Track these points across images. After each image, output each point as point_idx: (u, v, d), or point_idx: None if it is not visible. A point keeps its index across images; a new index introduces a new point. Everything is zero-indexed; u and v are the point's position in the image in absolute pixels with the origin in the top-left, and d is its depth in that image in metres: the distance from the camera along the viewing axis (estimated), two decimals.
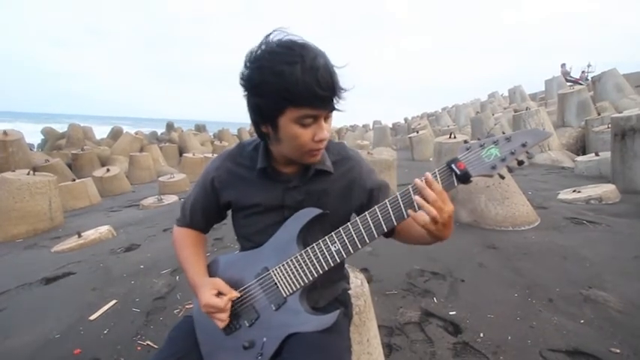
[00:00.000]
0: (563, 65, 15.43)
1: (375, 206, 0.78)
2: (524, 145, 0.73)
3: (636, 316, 1.70)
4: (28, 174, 5.14)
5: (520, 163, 0.74)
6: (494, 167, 0.74)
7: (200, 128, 19.49)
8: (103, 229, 4.32)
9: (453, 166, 0.74)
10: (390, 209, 0.77)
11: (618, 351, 1.49)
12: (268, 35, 0.75)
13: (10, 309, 2.55)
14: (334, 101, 0.75)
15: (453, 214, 0.75)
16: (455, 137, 6.93)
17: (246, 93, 0.78)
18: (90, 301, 2.49)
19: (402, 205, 0.76)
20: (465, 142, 0.81)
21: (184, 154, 10.59)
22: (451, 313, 1.87)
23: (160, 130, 18.75)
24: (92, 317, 2.29)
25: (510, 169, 0.74)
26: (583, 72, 17.32)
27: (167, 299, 2.45)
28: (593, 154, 5.47)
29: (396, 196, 0.77)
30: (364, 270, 2.43)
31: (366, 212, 0.79)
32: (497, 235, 2.95)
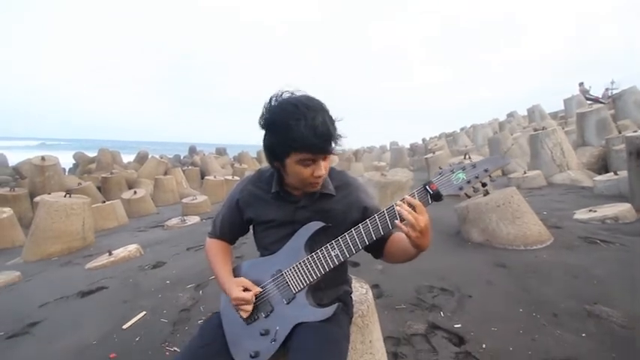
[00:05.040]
0: (581, 84, 15.27)
1: (367, 219, 0.97)
2: (486, 171, 0.90)
3: (639, 330, 1.74)
4: (65, 196, 5.57)
5: (484, 185, 0.90)
6: (461, 188, 0.92)
7: (221, 151, 20.20)
8: (132, 248, 4.60)
9: (427, 187, 0.93)
10: (378, 221, 0.96)
11: None
12: (280, 93, 0.99)
13: (51, 319, 2.80)
14: (329, 148, 0.97)
15: (430, 224, 0.92)
16: (470, 158, 7.00)
17: (264, 135, 1.01)
18: (122, 313, 2.71)
19: (387, 218, 0.95)
20: (440, 168, 0.97)
21: (206, 177, 11.04)
22: (456, 325, 1.96)
23: (183, 154, 19.55)
24: (125, 326, 2.50)
25: (475, 190, 0.91)
26: (606, 89, 17.00)
27: (191, 311, 2.64)
28: (612, 174, 5.40)
29: (383, 211, 0.96)
30: (375, 286, 2.54)
31: (360, 224, 0.98)
32: (508, 254, 3.00)
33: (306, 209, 1.08)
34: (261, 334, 1.01)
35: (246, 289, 1.05)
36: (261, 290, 1.06)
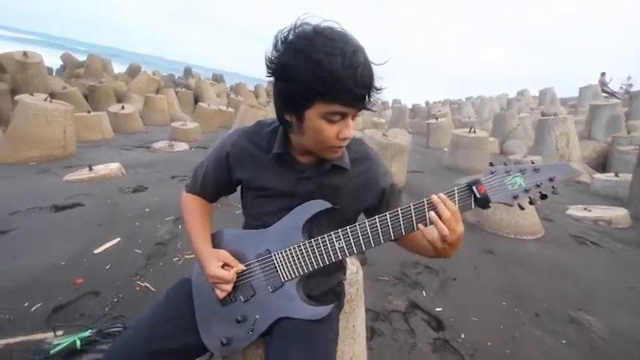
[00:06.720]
0: (602, 74, 14.61)
1: (387, 213, 0.78)
2: (551, 180, 0.71)
3: (618, 346, 1.72)
4: (46, 100, 5.17)
5: (544, 197, 0.72)
6: (515, 197, 0.73)
7: (217, 78, 19.15)
8: (114, 166, 4.40)
9: (474, 188, 0.74)
10: (401, 219, 0.77)
11: None
12: (300, 19, 0.72)
13: (20, 229, 2.67)
14: (366, 100, 0.73)
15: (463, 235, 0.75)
16: (475, 132, 6.76)
17: (273, 77, 0.75)
18: (95, 236, 2.60)
19: (413, 217, 0.76)
20: (491, 164, 0.80)
21: (199, 103, 10.52)
22: (437, 309, 1.93)
23: (178, 74, 18.47)
24: (96, 251, 2.39)
25: (532, 202, 0.73)
26: (621, 87, 16.39)
27: (168, 246, 2.55)
28: (613, 174, 5.32)
29: (409, 207, 0.76)
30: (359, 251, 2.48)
31: (376, 217, 0.79)
32: (498, 241, 2.95)
33: (311, 181, 0.88)
34: (238, 321, 0.87)
35: (226, 265, 0.88)
36: (244, 268, 0.88)
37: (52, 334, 1.36)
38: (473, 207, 0.75)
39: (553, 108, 12.86)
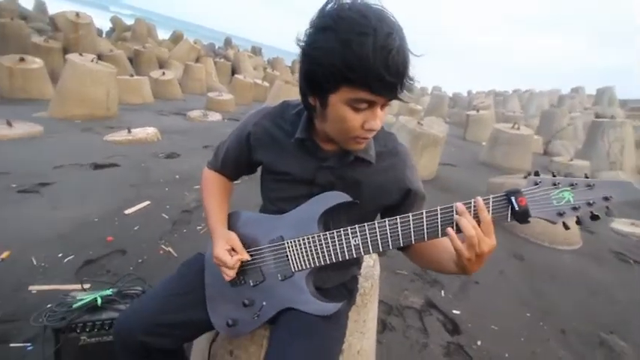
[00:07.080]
0: None
1: (410, 214, 0.71)
2: (606, 199, 0.61)
3: None
4: (92, 61, 5.37)
5: (595, 217, 0.63)
6: (561, 214, 0.63)
7: (256, 51, 19.10)
8: (151, 131, 4.56)
9: (513, 199, 0.65)
10: (425, 221, 0.70)
11: None
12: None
13: (61, 183, 2.85)
14: (398, 90, 0.65)
15: (494, 249, 0.67)
16: (518, 128, 6.33)
17: (302, 56, 0.69)
18: (127, 197, 2.72)
19: (439, 222, 0.69)
20: (537, 174, 0.70)
21: (236, 75, 10.59)
22: (455, 311, 1.86)
23: (218, 44, 18.61)
24: (127, 212, 2.51)
25: (579, 221, 0.64)
26: None
27: (193, 214, 2.62)
28: None
29: (435, 210, 0.69)
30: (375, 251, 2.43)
31: (398, 217, 0.72)
32: (529, 247, 2.79)
33: (331, 172, 0.82)
34: (245, 305, 0.85)
35: (233, 250, 0.85)
36: (248, 259, 0.86)
37: (80, 287, 1.44)
38: (509, 220, 0.66)
39: (610, 110, 11.79)
